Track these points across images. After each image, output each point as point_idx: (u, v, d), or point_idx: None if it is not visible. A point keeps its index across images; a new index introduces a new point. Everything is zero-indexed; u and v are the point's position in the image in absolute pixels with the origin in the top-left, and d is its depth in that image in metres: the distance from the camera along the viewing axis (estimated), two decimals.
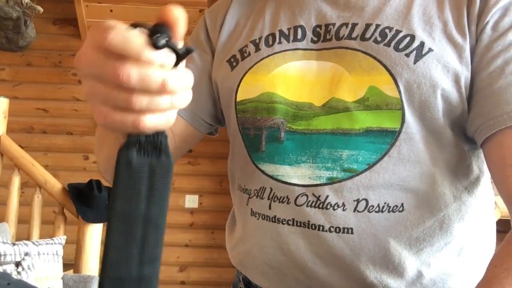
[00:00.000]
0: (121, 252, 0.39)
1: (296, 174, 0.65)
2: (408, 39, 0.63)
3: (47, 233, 2.70)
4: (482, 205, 0.69)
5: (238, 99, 0.71)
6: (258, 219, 0.69)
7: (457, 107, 0.63)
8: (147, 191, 0.39)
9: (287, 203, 0.65)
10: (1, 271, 1.98)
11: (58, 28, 4.00)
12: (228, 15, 0.78)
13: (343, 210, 0.63)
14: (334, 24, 0.68)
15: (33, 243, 2.30)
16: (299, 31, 0.70)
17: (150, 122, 0.38)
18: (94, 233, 2.73)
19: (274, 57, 0.70)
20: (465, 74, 0.62)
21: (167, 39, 0.36)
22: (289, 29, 0.71)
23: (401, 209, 0.63)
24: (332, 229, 0.63)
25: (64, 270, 2.45)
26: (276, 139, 0.68)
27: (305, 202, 0.64)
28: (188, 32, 0.44)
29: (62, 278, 2.40)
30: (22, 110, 3.81)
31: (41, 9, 3.16)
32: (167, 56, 0.37)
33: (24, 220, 2.77)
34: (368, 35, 0.65)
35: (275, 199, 0.66)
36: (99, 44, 0.36)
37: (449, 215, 0.65)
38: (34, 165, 2.75)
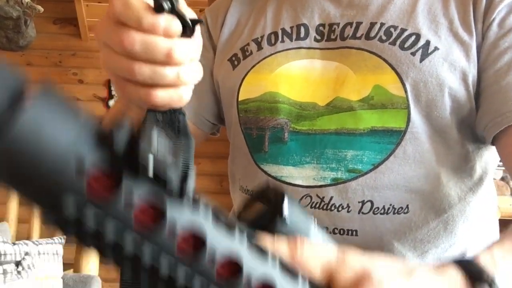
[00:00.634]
0: None
1: (300, 175, 0.65)
2: (413, 37, 0.63)
3: (47, 233, 2.69)
4: (486, 205, 0.69)
5: (240, 98, 0.71)
6: None
7: (464, 106, 0.62)
8: None
9: None
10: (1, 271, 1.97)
11: (58, 28, 4.00)
12: (229, 13, 0.77)
13: (348, 211, 0.62)
14: (338, 24, 0.68)
15: (33, 242, 2.30)
16: (302, 29, 0.70)
17: (162, 96, 0.36)
18: None
19: (276, 56, 0.69)
20: (472, 72, 0.61)
21: (170, 2, 0.34)
22: (291, 27, 0.71)
23: (406, 210, 0.62)
24: (336, 231, 0.62)
25: (64, 270, 2.45)
26: (279, 139, 0.67)
27: (309, 203, 0.64)
28: None
29: (62, 277, 2.40)
30: None
31: (41, 9, 3.16)
32: (170, 21, 0.35)
33: (24, 220, 2.76)
34: (373, 34, 0.65)
35: None
36: (109, 12, 0.36)
37: (454, 216, 0.64)
38: None
